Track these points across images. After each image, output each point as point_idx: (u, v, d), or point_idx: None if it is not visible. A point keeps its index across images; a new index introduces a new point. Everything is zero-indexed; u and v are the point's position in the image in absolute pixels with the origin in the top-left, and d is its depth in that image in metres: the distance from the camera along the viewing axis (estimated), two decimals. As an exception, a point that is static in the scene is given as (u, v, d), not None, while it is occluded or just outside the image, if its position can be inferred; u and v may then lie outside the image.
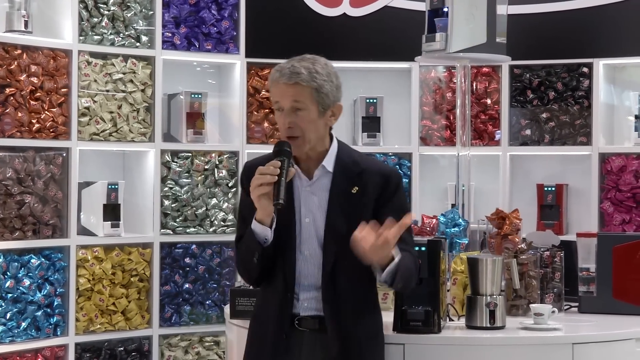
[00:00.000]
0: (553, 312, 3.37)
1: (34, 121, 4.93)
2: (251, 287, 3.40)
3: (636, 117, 5.60)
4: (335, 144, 3.07)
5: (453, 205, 4.95)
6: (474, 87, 5.81)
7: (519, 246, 3.69)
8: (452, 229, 4.13)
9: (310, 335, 2.98)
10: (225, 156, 5.64)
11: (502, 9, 4.45)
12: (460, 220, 4.15)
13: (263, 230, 2.93)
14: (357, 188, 3.00)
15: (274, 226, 2.94)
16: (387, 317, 3.32)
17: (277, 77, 3.00)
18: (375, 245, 2.81)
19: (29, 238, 4.91)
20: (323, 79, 3.00)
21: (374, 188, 3.02)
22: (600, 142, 5.66)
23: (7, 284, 4.80)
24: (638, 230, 5.52)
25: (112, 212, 5.16)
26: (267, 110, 5.77)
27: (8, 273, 4.82)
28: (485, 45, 4.36)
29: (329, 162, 3.03)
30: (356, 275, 2.98)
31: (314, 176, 3.02)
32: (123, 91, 5.30)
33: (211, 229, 5.59)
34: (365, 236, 2.82)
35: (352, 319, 2.98)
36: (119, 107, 5.28)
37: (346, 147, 3.11)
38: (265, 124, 5.75)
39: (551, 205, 5.75)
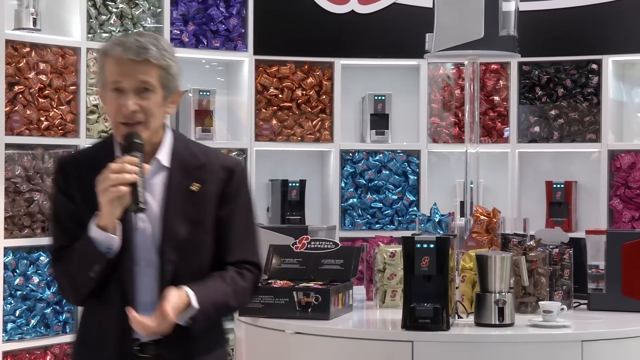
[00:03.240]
0: (562, 309, 3.36)
1: (42, 119, 4.93)
2: (259, 285, 3.38)
3: (645, 113, 5.60)
4: (169, 134, 2.67)
5: (462, 203, 4.94)
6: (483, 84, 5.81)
7: (528, 243, 3.68)
8: (427, 225, 4.14)
9: None
10: (233, 153, 5.64)
11: (508, 6, 4.44)
12: (437, 215, 4.14)
13: (107, 238, 2.51)
14: (197, 185, 2.62)
15: (119, 233, 2.53)
16: (396, 315, 3.32)
17: (119, 52, 2.55)
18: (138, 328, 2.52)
19: (37, 235, 4.91)
20: (171, 58, 2.63)
21: (216, 184, 2.64)
22: (610, 139, 5.65)
23: (16, 281, 4.81)
24: (647, 227, 5.51)
25: (120, 209, 5.16)
26: (275, 108, 5.77)
27: (17, 270, 4.83)
28: (489, 42, 4.34)
29: (163, 156, 2.63)
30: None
31: (147, 172, 2.56)
32: (131, 89, 5.30)
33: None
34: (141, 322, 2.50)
35: (197, 339, 2.62)
36: (128, 105, 5.27)
37: (183, 138, 2.73)
38: (274, 121, 5.75)
39: (560, 203, 5.74)
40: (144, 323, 2.50)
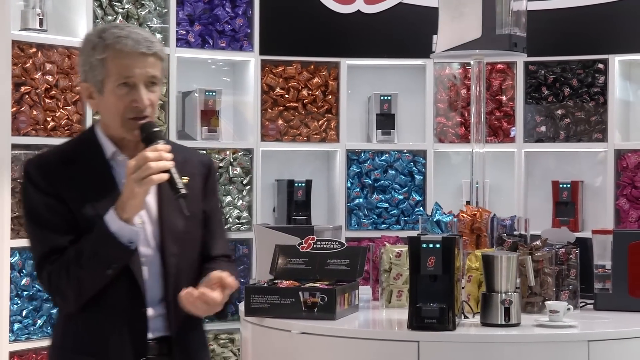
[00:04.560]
0: (568, 309, 3.36)
1: (49, 119, 4.94)
2: (265, 285, 3.39)
3: (652, 113, 5.59)
4: None
5: (468, 202, 4.94)
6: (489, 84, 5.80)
7: (534, 243, 3.68)
8: (426, 223, 4.14)
9: None
10: (239, 154, 5.64)
11: (515, 5, 4.43)
12: (437, 214, 4.14)
13: (131, 231, 2.45)
14: (186, 178, 2.56)
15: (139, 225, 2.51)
16: (402, 315, 3.31)
17: (131, 45, 2.48)
18: (199, 305, 2.50)
19: (44, 236, 4.91)
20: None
21: (199, 178, 2.66)
22: (616, 139, 5.64)
23: (23, 281, 4.81)
24: (654, 227, 5.50)
25: (127, 209, 5.16)
26: (281, 108, 5.77)
27: (24, 271, 4.83)
28: (493, 42, 4.33)
29: None
30: (195, 279, 2.59)
31: None
32: (137, 89, 5.31)
33: (225, 227, 5.59)
34: (187, 295, 2.49)
35: (195, 333, 2.64)
36: (134, 105, 5.28)
37: None
38: (280, 122, 5.75)
39: (566, 202, 5.73)
40: (210, 296, 2.47)
